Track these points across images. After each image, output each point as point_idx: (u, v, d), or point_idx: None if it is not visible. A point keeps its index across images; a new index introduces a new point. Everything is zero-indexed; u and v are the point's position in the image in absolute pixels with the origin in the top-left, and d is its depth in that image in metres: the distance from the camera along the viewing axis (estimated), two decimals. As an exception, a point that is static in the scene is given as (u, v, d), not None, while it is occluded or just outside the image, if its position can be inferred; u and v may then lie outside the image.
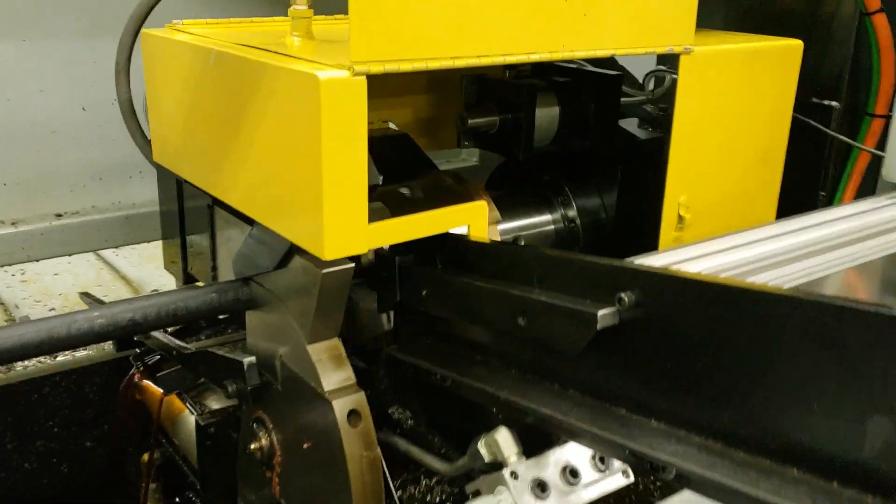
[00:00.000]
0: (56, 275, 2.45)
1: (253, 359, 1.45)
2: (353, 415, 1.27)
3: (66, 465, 2.07)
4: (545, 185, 1.74)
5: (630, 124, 2.04)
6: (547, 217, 1.72)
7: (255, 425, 1.49)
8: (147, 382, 1.86)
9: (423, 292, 1.26)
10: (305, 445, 1.36)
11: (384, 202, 1.49)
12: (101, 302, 2.15)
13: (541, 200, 1.73)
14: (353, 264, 1.21)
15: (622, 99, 2.03)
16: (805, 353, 0.80)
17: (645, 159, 1.62)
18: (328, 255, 1.10)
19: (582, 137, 1.67)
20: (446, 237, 1.24)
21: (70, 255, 2.00)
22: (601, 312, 0.96)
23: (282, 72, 1.11)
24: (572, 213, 1.71)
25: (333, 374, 1.30)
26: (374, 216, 1.14)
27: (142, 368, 1.87)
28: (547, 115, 1.62)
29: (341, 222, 1.10)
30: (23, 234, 1.91)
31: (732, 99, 1.49)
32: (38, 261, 1.97)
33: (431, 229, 1.21)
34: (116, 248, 2.06)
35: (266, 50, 1.22)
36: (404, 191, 1.57)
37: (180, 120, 1.46)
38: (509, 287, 1.10)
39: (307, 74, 1.05)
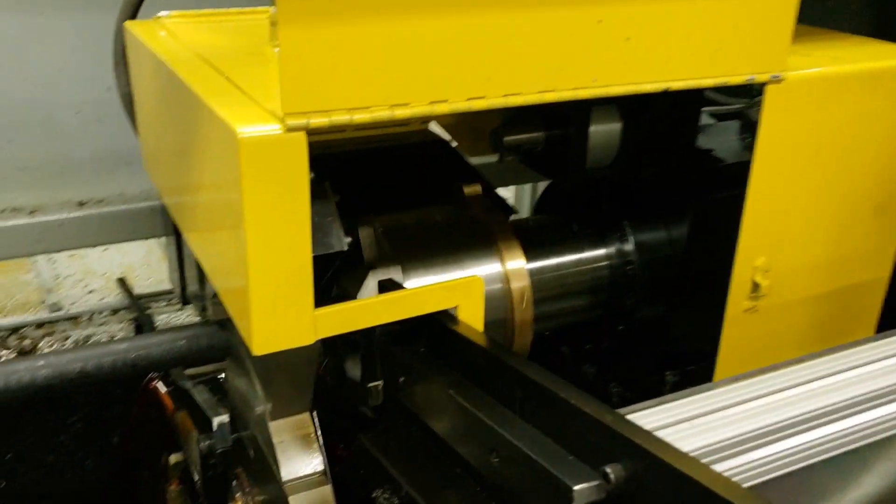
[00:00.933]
0: (104, 250, 2.35)
1: (225, 418, 1.26)
2: (313, 513, 1.07)
3: (91, 460, 2.01)
4: (600, 215, 1.43)
5: (728, 131, 1.69)
6: (600, 252, 1.42)
7: (234, 482, 1.31)
8: (162, 391, 1.75)
9: (401, 379, 1.02)
10: (272, 531, 1.17)
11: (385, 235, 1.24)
12: (130, 293, 2.03)
13: (593, 233, 1.43)
14: (319, 335, 0.98)
15: (716, 108, 1.67)
16: None
17: (726, 191, 1.28)
18: (257, 350, 0.87)
19: (648, 161, 1.36)
20: (431, 318, 0.98)
21: (93, 246, 1.86)
22: (578, 487, 0.71)
23: (210, 115, 0.86)
24: (629, 248, 1.40)
25: (295, 461, 1.09)
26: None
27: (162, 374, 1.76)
28: (604, 132, 1.31)
29: (275, 310, 0.86)
30: (40, 225, 1.78)
31: (839, 135, 1.13)
32: (57, 252, 1.85)
33: (405, 312, 0.96)
34: (145, 239, 1.90)
35: (219, 72, 0.98)
36: (420, 219, 1.31)
37: (151, 133, 1.25)
38: (487, 409, 0.85)
39: (227, 127, 0.80)
